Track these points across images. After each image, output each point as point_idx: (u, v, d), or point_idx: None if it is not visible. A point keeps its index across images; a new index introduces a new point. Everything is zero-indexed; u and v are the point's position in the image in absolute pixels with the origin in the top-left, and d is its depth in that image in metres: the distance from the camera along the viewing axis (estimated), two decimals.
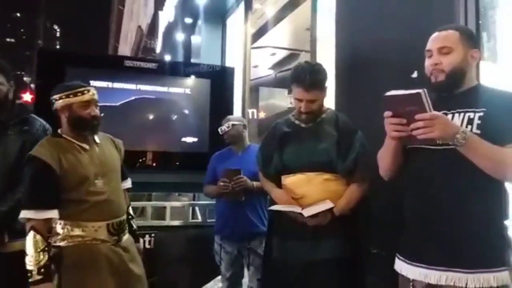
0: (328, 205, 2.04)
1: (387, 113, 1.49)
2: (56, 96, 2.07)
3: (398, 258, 1.68)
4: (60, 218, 1.99)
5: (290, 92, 8.74)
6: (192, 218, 3.80)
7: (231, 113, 4.45)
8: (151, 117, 4.01)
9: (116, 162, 2.23)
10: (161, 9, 11.82)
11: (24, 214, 1.92)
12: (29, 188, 1.96)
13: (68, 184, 1.99)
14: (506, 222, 1.54)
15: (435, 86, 1.60)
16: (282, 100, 8.74)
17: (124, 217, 2.19)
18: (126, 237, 2.19)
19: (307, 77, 2.06)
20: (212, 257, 3.05)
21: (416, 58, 2.12)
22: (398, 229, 1.88)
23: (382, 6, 2.62)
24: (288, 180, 2.19)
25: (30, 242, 1.88)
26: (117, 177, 2.20)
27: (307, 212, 2.01)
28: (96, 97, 2.12)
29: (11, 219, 2.14)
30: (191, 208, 3.80)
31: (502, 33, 2.13)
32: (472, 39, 1.64)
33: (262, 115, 8.77)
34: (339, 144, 2.12)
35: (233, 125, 3.01)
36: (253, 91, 6.82)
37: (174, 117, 4.07)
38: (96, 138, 2.17)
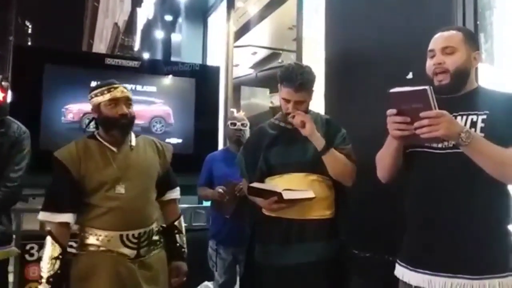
0: (310, 194, 1.99)
1: (391, 111, 1.44)
2: (88, 97, 2.00)
3: (399, 264, 1.64)
4: (79, 224, 1.94)
5: (272, 91, 8.76)
6: None
7: (217, 114, 4.38)
8: None
9: (150, 168, 2.06)
10: (139, 6, 11.57)
11: (40, 215, 1.90)
12: (48, 189, 1.94)
13: (86, 188, 1.91)
14: (510, 227, 1.51)
15: (438, 88, 1.56)
16: (264, 99, 8.69)
17: (149, 229, 1.99)
18: (155, 252, 2.02)
19: (298, 77, 2.04)
20: (199, 262, 2.97)
21: (411, 59, 2.11)
22: (391, 232, 1.86)
23: (375, 6, 2.58)
24: (274, 182, 2.13)
25: (46, 248, 1.86)
26: (147, 183, 2.02)
27: (287, 195, 1.96)
28: (126, 94, 1.99)
29: None
30: None
31: (500, 35, 2.12)
32: (474, 41, 1.63)
33: (242, 114, 8.69)
34: (328, 143, 2.09)
35: (249, 126, 2.99)
36: (235, 90, 6.74)
37: (157, 117, 3.96)
38: (133, 140, 2.05)
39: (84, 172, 1.91)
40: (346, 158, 2.09)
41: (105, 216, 1.90)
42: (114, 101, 1.95)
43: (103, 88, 1.97)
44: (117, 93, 1.96)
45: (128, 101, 1.99)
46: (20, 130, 2.24)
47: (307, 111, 2.17)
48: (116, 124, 1.95)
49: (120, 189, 1.92)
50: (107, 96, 1.95)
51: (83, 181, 1.91)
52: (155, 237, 2.03)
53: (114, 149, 1.98)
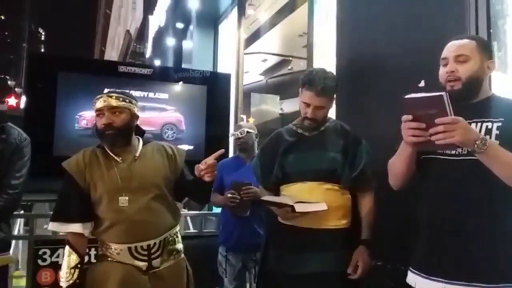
0: (322, 206, 1.98)
1: (407, 117, 1.43)
2: None
3: (412, 271, 1.63)
4: (94, 235, 1.94)
5: (282, 98, 8.78)
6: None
7: (228, 120, 4.40)
8: (144, 124, 3.94)
9: (157, 176, 1.96)
10: (151, 14, 11.72)
11: (49, 226, 1.92)
12: (56, 200, 1.95)
13: (92, 197, 1.90)
14: None
15: (451, 94, 1.55)
16: (274, 106, 8.72)
17: (160, 239, 1.93)
18: (168, 264, 1.97)
19: (320, 81, 2.03)
20: (210, 268, 2.97)
21: (423, 66, 2.10)
22: (403, 241, 1.85)
23: (386, 13, 2.58)
24: (288, 189, 2.12)
25: (65, 257, 1.86)
26: (153, 193, 1.93)
27: (299, 208, 1.94)
28: (111, 103, 1.88)
29: None
30: (184, 218, 3.71)
31: None
32: (488, 50, 1.63)
33: (251, 121, 8.74)
34: (345, 153, 2.09)
35: (247, 132, 2.95)
36: (245, 97, 6.77)
37: (169, 124, 4.00)
38: (139, 148, 1.98)
39: (90, 181, 1.89)
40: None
41: (111, 230, 1.88)
42: (99, 112, 1.91)
43: (94, 101, 1.95)
44: (99, 104, 1.91)
45: (112, 109, 1.89)
46: (21, 137, 2.24)
47: (325, 118, 2.16)
48: (102, 136, 1.91)
49: (124, 201, 1.87)
50: (95, 108, 1.93)
51: (89, 190, 1.89)
52: (171, 247, 1.98)
53: (118, 159, 1.93)
